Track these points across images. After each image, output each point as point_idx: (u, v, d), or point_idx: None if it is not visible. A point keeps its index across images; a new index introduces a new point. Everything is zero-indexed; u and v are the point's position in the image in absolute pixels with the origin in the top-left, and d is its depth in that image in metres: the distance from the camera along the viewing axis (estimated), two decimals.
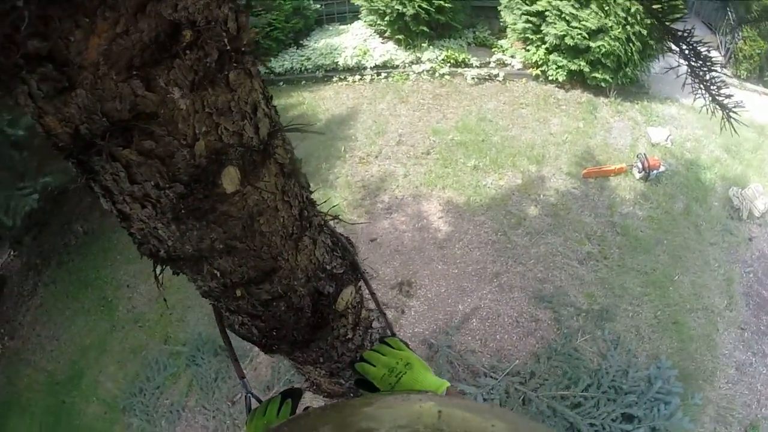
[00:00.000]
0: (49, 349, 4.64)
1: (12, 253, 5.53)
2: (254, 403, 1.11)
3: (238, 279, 0.82)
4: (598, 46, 4.79)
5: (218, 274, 0.79)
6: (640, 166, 4.38)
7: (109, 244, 5.04)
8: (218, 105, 0.55)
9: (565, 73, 5.28)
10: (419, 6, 5.52)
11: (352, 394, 1.63)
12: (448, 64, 5.90)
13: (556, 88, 5.46)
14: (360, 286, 1.16)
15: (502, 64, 5.91)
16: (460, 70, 5.92)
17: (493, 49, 6.11)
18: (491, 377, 3.16)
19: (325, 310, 1.07)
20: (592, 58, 4.97)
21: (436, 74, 5.89)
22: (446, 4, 5.60)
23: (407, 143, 5.07)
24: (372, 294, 1.22)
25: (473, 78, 5.78)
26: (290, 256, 0.86)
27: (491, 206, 4.23)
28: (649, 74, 5.28)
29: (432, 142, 5.01)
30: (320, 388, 1.75)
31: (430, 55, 5.96)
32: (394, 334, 1.20)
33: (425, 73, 5.93)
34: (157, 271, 0.80)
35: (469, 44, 6.26)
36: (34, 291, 5.17)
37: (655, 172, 4.35)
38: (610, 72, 5.01)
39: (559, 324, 3.46)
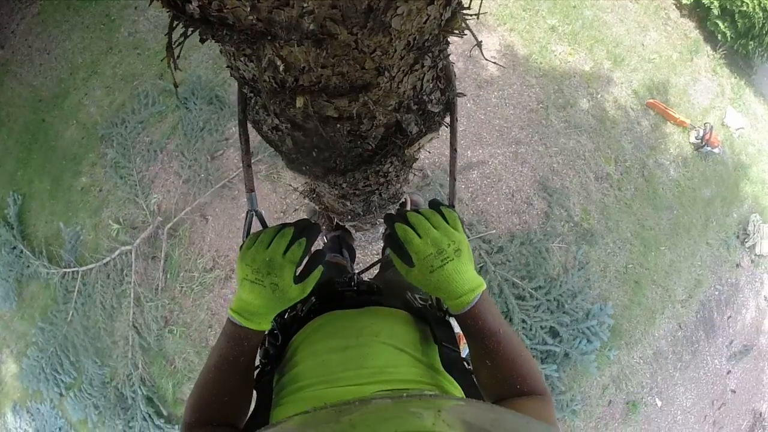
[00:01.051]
0: (38, 63, 4.49)
1: None
2: (257, 227, 0.92)
3: (309, 83, 0.59)
4: (742, 1, 4.22)
5: (281, 67, 0.55)
6: (701, 133, 4.15)
7: None
8: None
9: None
10: None
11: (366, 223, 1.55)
12: None
13: (674, 6, 4.88)
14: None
15: None
16: None
17: None
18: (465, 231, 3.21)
19: (393, 150, 0.89)
20: (727, 7, 4.41)
21: None
22: None
23: None
24: (454, 150, 1.02)
25: None
26: (398, 73, 0.63)
27: (547, 75, 3.98)
28: (765, 61, 4.77)
29: None
30: (327, 209, 1.63)
31: None
32: (452, 206, 0.98)
33: None
34: (174, 37, 0.52)
35: None
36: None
37: (708, 148, 4.15)
38: (734, 31, 4.49)
39: (546, 219, 3.48)
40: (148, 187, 3.48)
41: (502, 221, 3.40)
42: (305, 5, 0.43)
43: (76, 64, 4.22)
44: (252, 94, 0.80)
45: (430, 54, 0.65)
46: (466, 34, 0.69)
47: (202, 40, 0.54)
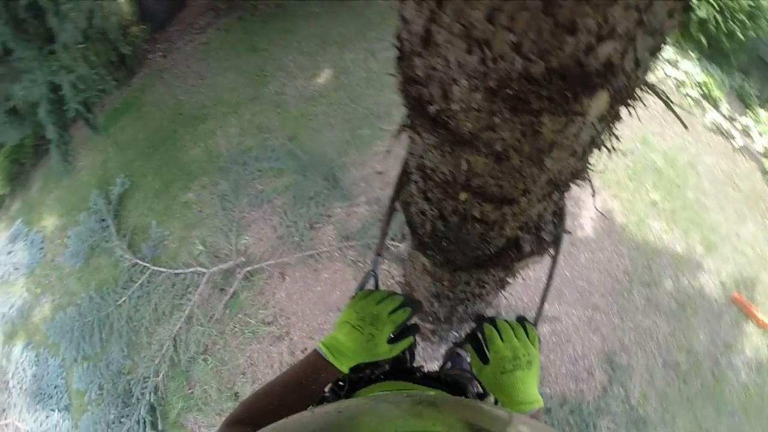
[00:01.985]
0: (190, 83, 5.18)
1: None
2: (371, 285, 1.11)
3: (476, 185, 0.78)
4: None
5: (465, 168, 0.74)
6: None
7: (294, 27, 5.34)
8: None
9: None
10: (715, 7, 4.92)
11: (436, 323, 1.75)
12: (699, 89, 5.23)
13: None
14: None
15: (745, 132, 5.22)
16: (705, 103, 5.23)
17: (747, 111, 5.43)
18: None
19: (504, 262, 1.13)
20: None
21: (681, 87, 5.22)
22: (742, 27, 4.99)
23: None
24: (550, 277, 1.23)
25: (711, 122, 5.14)
26: (534, 199, 0.83)
27: (639, 248, 4.04)
28: None
29: (635, 148, 4.64)
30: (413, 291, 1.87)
31: (691, 67, 5.29)
32: (535, 325, 1.12)
33: (674, 78, 5.28)
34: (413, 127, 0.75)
35: (730, 87, 5.57)
36: (205, 29, 5.67)
37: None
38: None
39: (603, 394, 3.44)
40: (243, 227, 3.92)
41: (558, 382, 3.39)
42: (503, 134, 0.63)
43: (221, 99, 4.88)
44: (419, 179, 0.94)
45: (558, 191, 0.85)
46: (582, 185, 0.90)
47: (409, 128, 0.77)
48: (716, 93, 5.22)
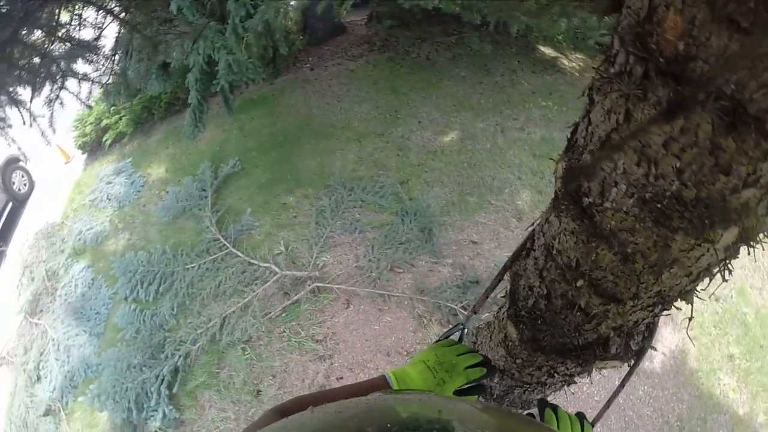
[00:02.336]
0: (326, 102, 5.69)
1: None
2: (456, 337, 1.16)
3: (595, 277, 0.85)
4: None
5: (593, 259, 0.81)
6: None
7: (437, 83, 5.75)
8: None
9: None
10: None
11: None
12: None
13: None
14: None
15: None
16: None
17: None
18: None
19: (587, 356, 1.17)
20: None
21: None
22: None
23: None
24: (621, 386, 1.27)
25: None
26: (640, 306, 0.89)
27: (701, 398, 3.92)
28: None
29: (729, 296, 4.43)
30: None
31: None
32: (593, 425, 1.18)
33: None
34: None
35: None
36: (356, 58, 6.29)
37: None
38: None
39: None
40: (328, 246, 4.15)
41: None
42: (638, 239, 0.71)
43: (350, 125, 5.30)
44: (540, 256, 1.00)
45: (661, 305, 0.90)
46: (681, 308, 0.95)
47: (553, 210, 0.87)
48: None
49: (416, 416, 0.43)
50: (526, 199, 4.45)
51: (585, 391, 3.64)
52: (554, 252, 0.94)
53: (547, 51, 6.34)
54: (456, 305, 3.59)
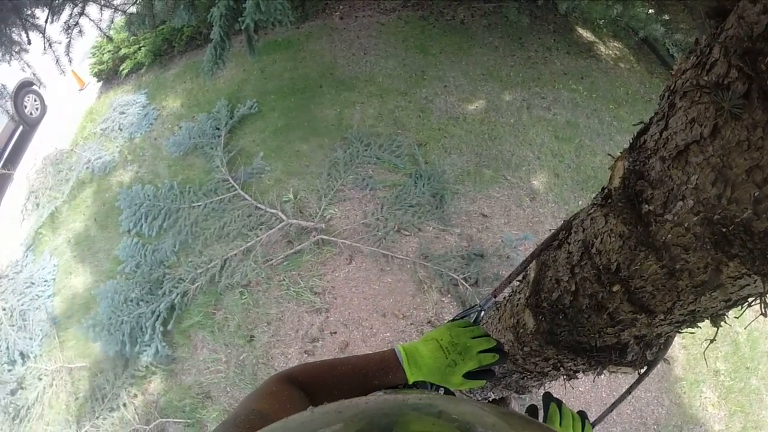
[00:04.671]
0: (352, 53, 5.66)
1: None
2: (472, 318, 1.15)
3: (634, 285, 0.84)
4: None
5: (636, 267, 0.80)
6: None
7: (469, 49, 5.59)
8: None
9: None
10: None
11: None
12: None
13: None
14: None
15: None
16: None
17: None
18: None
19: (601, 359, 1.15)
20: None
21: None
22: None
23: None
24: (628, 392, 1.30)
25: None
26: (669, 321, 0.89)
27: (680, 407, 4.02)
28: None
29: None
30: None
31: None
32: (593, 425, 1.19)
33: None
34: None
35: None
36: (388, 13, 6.15)
37: None
38: None
39: None
40: (338, 199, 4.12)
41: None
42: (691, 258, 0.69)
43: (374, 79, 5.18)
44: (575, 251, 0.98)
45: (689, 323, 0.90)
46: (701, 327, 0.94)
47: (600, 207, 0.86)
48: None
49: None
50: (543, 179, 4.37)
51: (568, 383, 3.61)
52: (593, 251, 0.91)
53: (585, 34, 6.12)
54: (458, 275, 3.57)
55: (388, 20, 5.91)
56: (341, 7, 6.09)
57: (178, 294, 3.85)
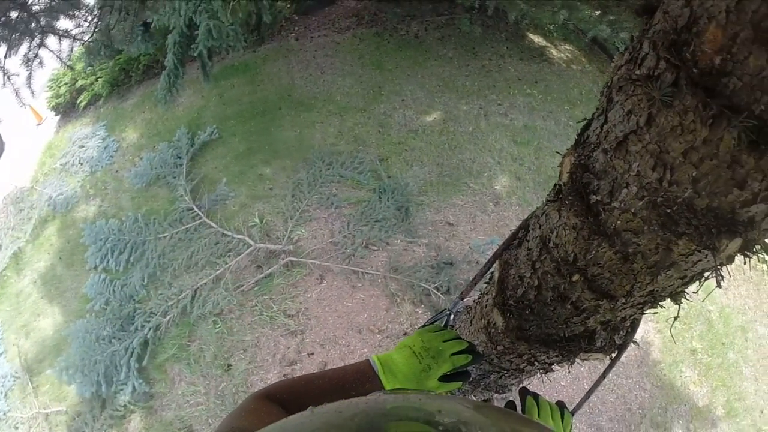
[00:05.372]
0: (308, 72, 5.66)
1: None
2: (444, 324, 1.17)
3: (592, 273, 0.87)
4: None
5: (591, 256, 0.84)
6: None
7: (424, 62, 5.69)
8: None
9: None
10: None
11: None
12: None
13: None
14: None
15: None
16: None
17: None
18: None
19: (572, 348, 1.18)
20: None
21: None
22: None
23: None
24: (602, 377, 1.31)
25: None
26: (631, 303, 0.92)
27: (663, 388, 4.08)
28: None
29: (694, 293, 4.61)
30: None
31: None
32: (573, 413, 1.21)
33: None
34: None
35: None
36: (343, 31, 6.20)
37: None
38: None
39: None
40: (304, 220, 4.14)
41: None
42: (642, 241, 0.73)
43: (332, 98, 5.23)
44: (534, 248, 1.02)
45: (650, 304, 0.93)
46: (665, 307, 0.98)
47: (552, 203, 0.89)
48: None
49: None
50: (505, 184, 4.48)
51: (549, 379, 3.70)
52: (550, 245, 0.95)
53: (537, 39, 6.31)
54: (429, 285, 3.63)
55: (343, 39, 5.99)
56: (296, 28, 6.15)
57: (150, 328, 3.81)
